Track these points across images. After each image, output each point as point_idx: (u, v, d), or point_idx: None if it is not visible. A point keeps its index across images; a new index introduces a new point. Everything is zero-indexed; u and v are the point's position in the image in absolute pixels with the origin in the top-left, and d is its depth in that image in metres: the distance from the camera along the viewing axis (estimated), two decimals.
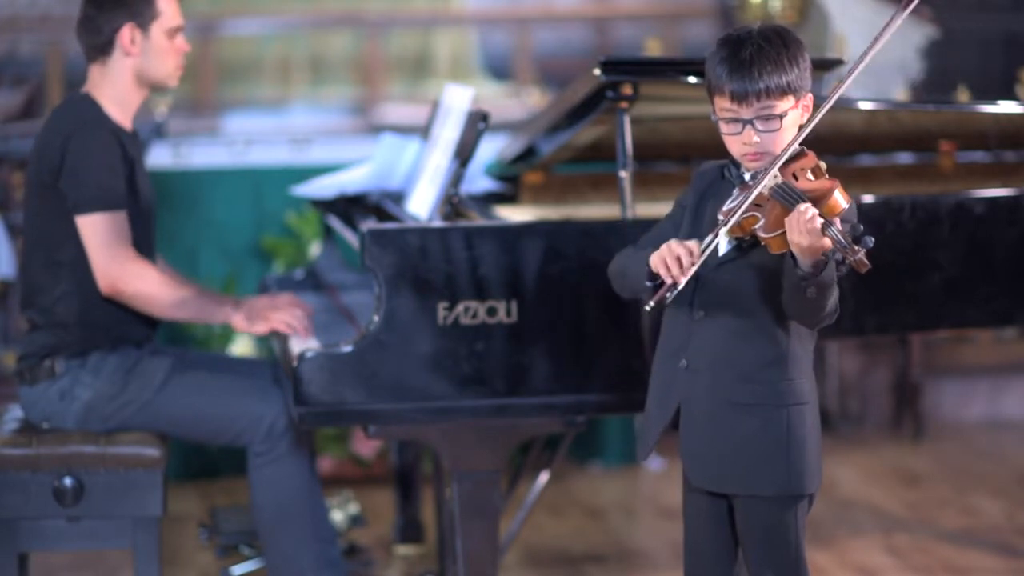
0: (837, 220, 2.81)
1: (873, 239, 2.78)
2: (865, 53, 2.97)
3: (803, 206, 2.82)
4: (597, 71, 3.76)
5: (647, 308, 2.96)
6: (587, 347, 3.65)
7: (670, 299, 2.94)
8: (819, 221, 2.79)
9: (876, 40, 2.97)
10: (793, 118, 2.99)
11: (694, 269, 2.93)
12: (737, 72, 2.95)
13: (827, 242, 2.79)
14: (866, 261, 2.77)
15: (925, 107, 4.53)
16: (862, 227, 2.79)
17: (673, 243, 2.96)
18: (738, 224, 2.95)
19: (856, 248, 2.77)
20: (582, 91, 3.92)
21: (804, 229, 2.80)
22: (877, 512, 5.33)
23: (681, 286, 2.93)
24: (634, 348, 3.66)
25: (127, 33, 3.97)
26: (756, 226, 2.94)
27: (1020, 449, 6.15)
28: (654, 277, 2.98)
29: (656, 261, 2.96)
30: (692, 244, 2.95)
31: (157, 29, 3.99)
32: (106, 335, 3.96)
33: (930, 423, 6.36)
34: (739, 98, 2.95)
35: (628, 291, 3.19)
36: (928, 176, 4.54)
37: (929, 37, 6.89)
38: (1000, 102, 4.21)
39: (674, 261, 2.93)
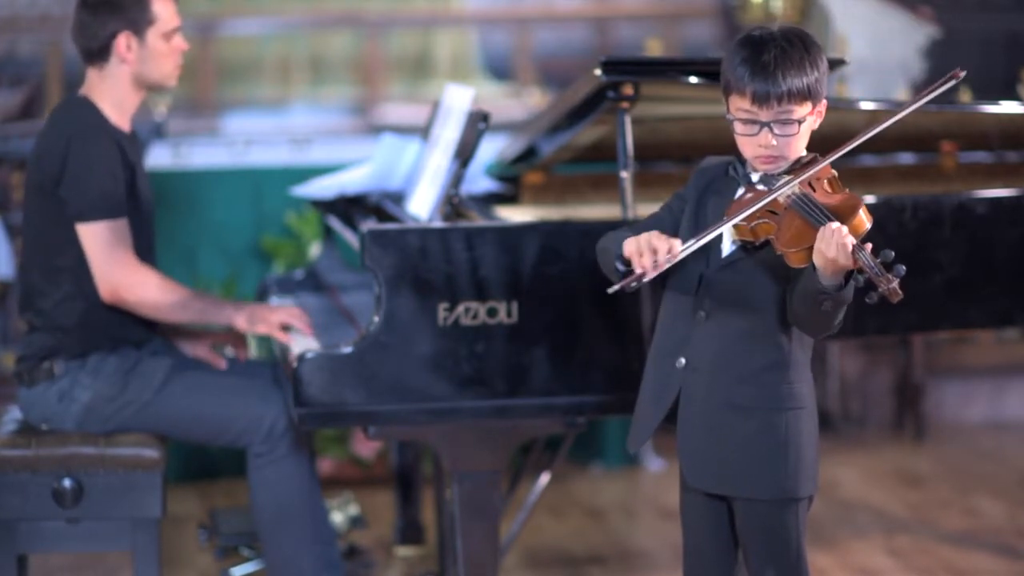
0: (868, 245, 2.78)
1: (904, 267, 2.73)
2: (904, 108, 3.01)
3: (834, 224, 2.79)
4: (598, 71, 3.75)
5: (608, 291, 2.93)
6: (588, 348, 3.64)
7: (633, 288, 2.89)
8: (851, 241, 2.77)
9: (913, 102, 3.03)
10: (808, 123, 2.99)
11: (667, 266, 2.88)
12: (760, 74, 2.93)
13: (854, 262, 2.78)
14: (899, 291, 2.73)
15: (927, 107, 4.51)
16: (892, 253, 2.76)
17: (654, 235, 2.91)
18: (750, 228, 2.93)
19: (889, 277, 2.73)
20: (583, 91, 3.91)
21: (835, 245, 2.77)
22: (878, 513, 5.32)
23: (647, 279, 2.89)
24: (635, 349, 3.65)
25: (123, 41, 3.93)
26: (771, 235, 2.91)
27: (1021, 450, 6.14)
28: (626, 261, 2.94)
29: (631, 248, 2.91)
30: (674, 242, 2.90)
31: (153, 34, 3.94)
32: (105, 336, 3.95)
33: (931, 424, 6.34)
34: (760, 100, 2.94)
35: (605, 268, 3.12)
36: (930, 176, 4.54)
37: (930, 37, 6.88)
38: (1002, 102, 4.20)
39: (649, 252, 2.88)
